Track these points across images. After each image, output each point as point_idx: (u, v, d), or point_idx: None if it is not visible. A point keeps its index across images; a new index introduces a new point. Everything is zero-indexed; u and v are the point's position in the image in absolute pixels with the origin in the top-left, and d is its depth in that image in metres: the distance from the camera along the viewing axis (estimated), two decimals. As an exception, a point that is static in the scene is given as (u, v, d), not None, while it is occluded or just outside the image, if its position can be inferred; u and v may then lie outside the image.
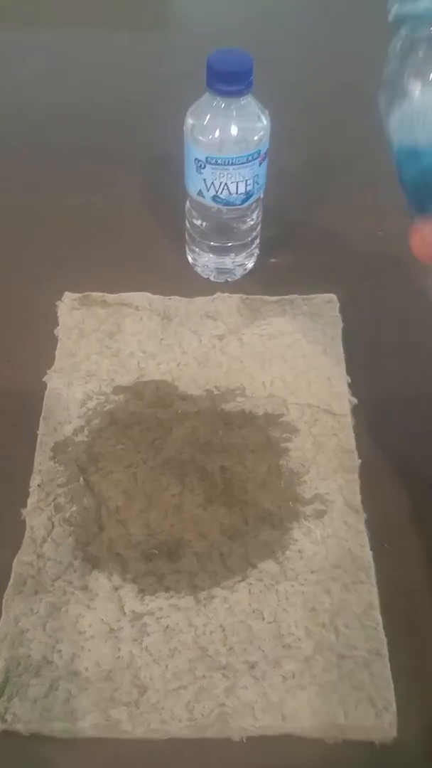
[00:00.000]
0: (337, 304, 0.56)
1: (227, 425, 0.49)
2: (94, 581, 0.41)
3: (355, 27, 0.87)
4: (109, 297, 0.57)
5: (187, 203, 0.57)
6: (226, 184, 0.52)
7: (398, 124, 0.33)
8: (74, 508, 0.44)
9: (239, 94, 0.49)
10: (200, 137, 0.51)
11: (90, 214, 0.65)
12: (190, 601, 0.40)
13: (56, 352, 0.53)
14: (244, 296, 0.57)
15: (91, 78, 0.81)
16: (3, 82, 0.81)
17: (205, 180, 0.52)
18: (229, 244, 0.57)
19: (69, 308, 0.56)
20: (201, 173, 0.52)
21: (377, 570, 0.42)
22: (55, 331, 0.55)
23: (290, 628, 0.39)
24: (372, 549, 0.43)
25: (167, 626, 0.39)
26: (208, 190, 0.53)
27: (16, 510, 0.45)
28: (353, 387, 0.51)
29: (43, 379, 0.51)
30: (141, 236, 0.63)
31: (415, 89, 0.32)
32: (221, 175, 0.51)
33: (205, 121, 0.50)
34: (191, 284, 0.58)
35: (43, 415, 0.49)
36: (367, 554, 0.42)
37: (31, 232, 0.63)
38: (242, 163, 0.51)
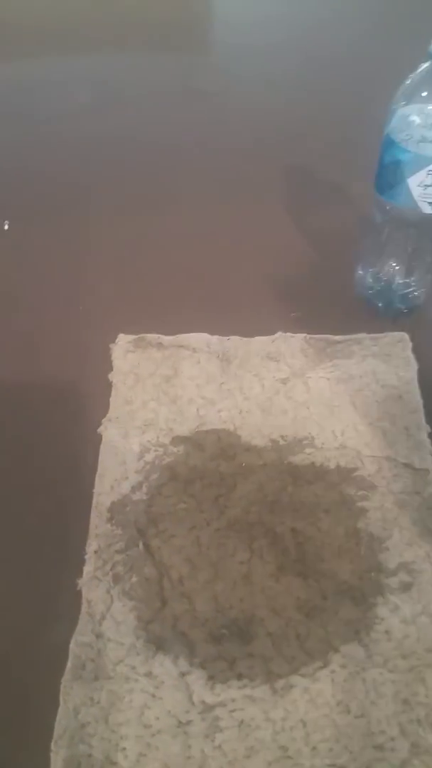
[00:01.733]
0: (410, 344, 0.52)
1: (296, 480, 0.45)
2: (159, 666, 0.37)
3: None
4: (165, 339, 0.53)
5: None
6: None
7: (395, 119, 0.44)
8: (134, 579, 0.41)
9: None
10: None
11: (139, 250, 0.62)
12: (266, 691, 0.36)
13: (111, 399, 0.50)
14: (308, 335, 0.53)
15: (139, 108, 0.79)
16: (50, 112, 0.79)
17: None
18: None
19: (123, 351, 0.53)
20: None
21: None
22: (110, 376, 0.52)
23: (381, 724, 0.35)
24: (470, 630, 0.38)
25: (242, 720, 0.35)
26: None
27: (72, 579, 0.41)
28: (434, 437, 0.46)
29: (98, 430, 0.48)
30: (189, 273, 0.59)
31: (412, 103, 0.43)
32: None
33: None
34: (249, 322, 0.54)
35: (99, 471, 0.46)
36: (465, 636, 0.37)
37: (83, 269, 0.61)
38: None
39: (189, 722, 0.35)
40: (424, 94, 0.42)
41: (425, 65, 0.42)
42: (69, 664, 0.37)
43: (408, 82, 0.43)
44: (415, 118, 0.43)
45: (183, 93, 0.81)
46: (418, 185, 0.45)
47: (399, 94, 0.44)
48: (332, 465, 0.45)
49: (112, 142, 0.74)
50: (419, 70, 0.42)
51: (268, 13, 0.97)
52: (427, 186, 0.44)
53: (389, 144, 0.45)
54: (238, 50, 0.90)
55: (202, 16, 1.00)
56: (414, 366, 0.50)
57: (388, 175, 0.46)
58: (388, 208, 0.48)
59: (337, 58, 0.86)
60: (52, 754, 0.34)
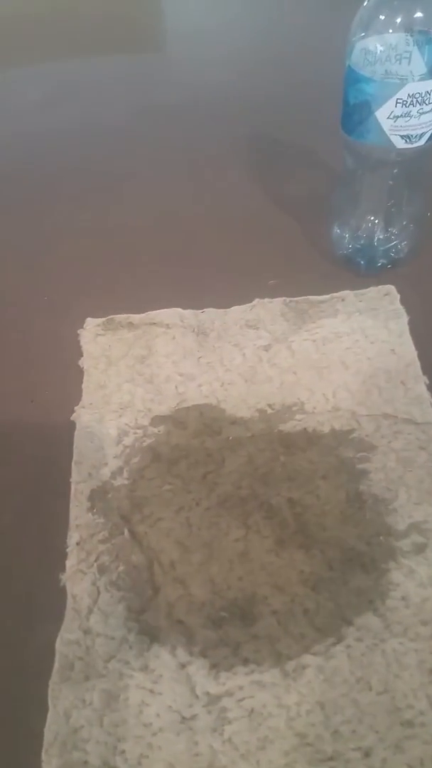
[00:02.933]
0: (397, 296, 0.49)
1: (288, 449, 0.42)
2: (155, 658, 0.33)
3: None
4: (136, 318, 0.50)
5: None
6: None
7: (356, 53, 0.41)
8: (121, 568, 0.37)
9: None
10: None
11: (101, 236, 0.59)
12: (276, 675, 0.32)
13: (83, 386, 0.47)
14: (287, 299, 0.50)
15: (89, 102, 0.77)
16: (1, 112, 0.76)
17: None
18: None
19: (93, 335, 0.49)
20: None
21: None
22: (80, 362, 0.48)
23: (407, 698, 0.31)
24: None
25: (252, 709, 0.32)
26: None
27: (54, 575, 0.38)
28: (433, 389, 0.43)
29: (71, 418, 0.45)
30: (156, 252, 0.56)
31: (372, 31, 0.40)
32: None
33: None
34: (224, 294, 0.51)
35: (74, 459, 0.42)
36: None
37: (43, 260, 0.57)
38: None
39: (193, 717, 0.32)
40: (382, 17, 0.39)
41: None
42: (56, 665, 0.34)
43: (364, 5, 0.40)
44: (378, 46, 0.40)
45: (137, 81, 0.79)
46: (388, 117, 0.42)
47: (356, 23, 0.41)
48: (326, 429, 0.42)
49: (66, 135, 0.72)
50: None
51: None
52: (397, 117, 0.41)
53: (353, 78, 0.42)
54: (189, 32, 0.88)
55: (153, 7, 0.98)
56: (404, 317, 0.47)
57: (354, 112, 0.43)
58: (359, 149, 0.45)
59: (291, 32, 0.84)
60: (43, 764, 0.31)
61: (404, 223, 0.51)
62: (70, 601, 0.36)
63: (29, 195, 0.65)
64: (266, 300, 0.50)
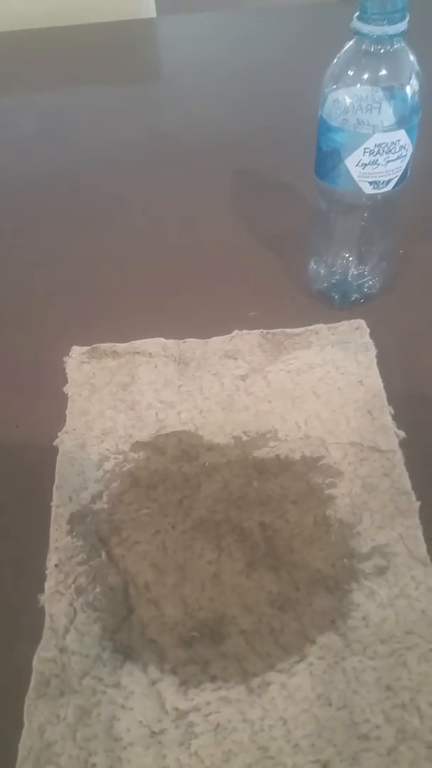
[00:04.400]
0: (367, 330, 0.51)
1: (261, 474, 0.44)
2: (128, 676, 0.35)
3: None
4: (120, 346, 0.52)
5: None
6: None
7: (328, 103, 0.44)
8: (98, 589, 0.39)
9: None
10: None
11: (90, 263, 0.61)
12: (242, 691, 0.34)
13: (67, 412, 0.49)
14: (265, 331, 0.52)
15: (80, 133, 0.80)
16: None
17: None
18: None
19: (78, 363, 0.51)
20: None
21: (458, 632, 0.36)
22: (65, 389, 0.50)
23: (365, 713, 0.33)
24: (448, 607, 0.36)
25: (218, 724, 0.33)
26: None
27: (33, 597, 0.39)
28: (398, 419, 0.46)
29: (54, 443, 0.47)
30: (141, 283, 0.59)
31: (342, 84, 0.43)
32: None
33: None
34: (205, 324, 0.53)
35: (56, 483, 0.44)
36: (444, 614, 0.36)
37: (32, 288, 0.60)
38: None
39: (162, 731, 0.33)
40: (351, 72, 0.42)
41: (349, 43, 0.42)
42: (32, 682, 0.35)
43: (335, 62, 0.43)
44: (347, 99, 0.43)
45: (130, 116, 0.82)
46: (356, 165, 0.44)
47: (327, 76, 0.44)
48: (297, 456, 0.44)
49: (58, 165, 0.74)
50: (344, 49, 0.43)
51: (209, 29, 0.99)
52: (365, 165, 0.44)
53: (324, 128, 0.45)
54: (180, 68, 0.91)
55: (148, 40, 1.01)
56: (372, 351, 0.49)
57: (326, 159, 0.46)
58: (331, 193, 0.48)
59: (277, 73, 0.87)
60: (16, 779, 0.32)
61: (376, 260, 0.53)
62: (47, 621, 0.38)
63: (19, 224, 0.67)
64: (245, 332, 0.52)
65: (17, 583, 0.40)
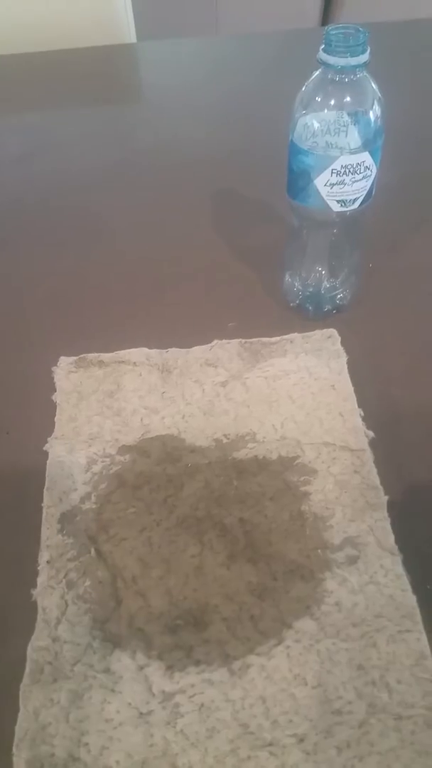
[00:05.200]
0: (339, 338, 0.54)
1: (241, 474, 0.46)
2: (117, 662, 0.37)
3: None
4: (106, 356, 0.55)
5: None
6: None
7: (298, 128, 0.47)
8: (88, 583, 0.41)
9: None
10: None
11: (76, 278, 0.64)
12: (224, 674, 0.37)
13: (56, 419, 0.51)
14: (243, 340, 0.55)
15: (66, 154, 0.83)
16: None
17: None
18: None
19: (66, 372, 0.54)
20: None
21: (423, 615, 0.38)
22: (54, 397, 0.53)
23: (338, 691, 0.36)
24: (414, 592, 0.39)
25: (202, 704, 0.36)
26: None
27: (27, 592, 0.41)
28: (367, 420, 0.49)
29: (44, 448, 0.49)
30: (130, 295, 0.62)
31: (310, 110, 0.47)
32: None
33: None
34: (187, 335, 0.56)
35: (46, 485, 0.46)
36: (411, 599, 0.39)
37: (20, 302, 0.62)
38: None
39: (150, 712, 0.36)
40: (318, 99, 0.46)
41: (316, 73, 0.46)
42: (27, 669, 0.37)
43: (303, 89, 0.47)
44: (315, 124, 0.46)
45: (111, 138, 0.85)
46: (325, 185, 0.48)
47: (297, 102, 0.47)
48: (274, 456, 0.47)
49: (44, 186, 0.77)
50: (312, 78, 0.46)
51: (190, 59, 1.03)
52: (333, 185, 0.48)
53: (295, 150, 0.48)
54: (160, 91, 0.95)
55: (128, 65, 1.05)
56: (344, 357, 0.52)
57: (297, 179, 0.49)
58: (301, 210, 0.51)
59: (254, 96, 0.91)
60: (14, 758, 0.34)
61: (346, 273, 0.57)
62: (40, 613, 0.40)
63: (7, 240, 0.69)
64: (224, 341, 0.55)
65: (11, 581, 0.42)
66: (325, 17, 1.79)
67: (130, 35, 1.12)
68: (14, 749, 0.34)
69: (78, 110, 0.92)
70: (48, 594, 0.41)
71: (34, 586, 0.42)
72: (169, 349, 0.55)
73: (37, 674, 0.37)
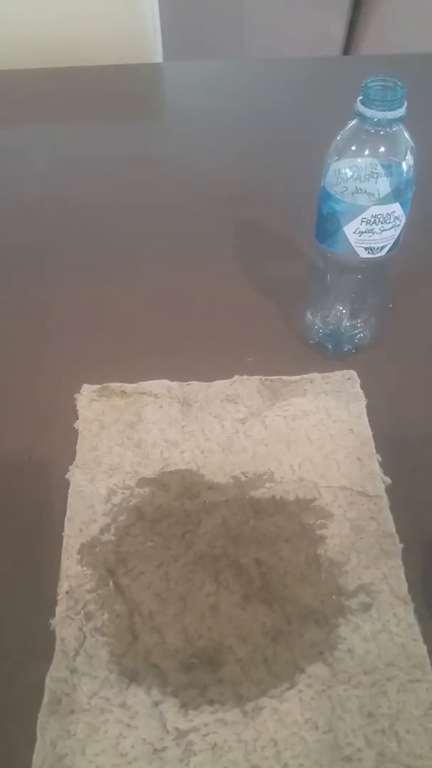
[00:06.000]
0: (358, 381, 0.55)
1: (258, 513, 0.47)
2: (133, 697, 0.38)
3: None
4: (128, 387, 0.56)
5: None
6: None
7: (330, 173, 0.49)
8: (105, 616, 0.42)
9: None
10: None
11: (99, 307, 0.65)
12: (237, 714, 0.38)
13: (77, 447, 0.52)
14: (263, 377, 0.56)
15: (91, 175, 0.83)
16: (5, 179, 0.83)
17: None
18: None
19: (88, 400, 0.55)
20: None
21: (434, 665, 0.39)
22: (75, 425, 0.54)
23: (348, 737, 0.36)
24: (426, 642, 0.40)
25: (215, 744, 0.37)
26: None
27: (45, 620, 0.42)
28: (385, 465, 0.50)
29: (66, 476, 0.50)
30: (149, 326, 0.63)
31: (344, 158, 0.48)
32: None
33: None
34: (208, 368, 0.57)
35: (67, 515, 0.48)
36: (422, 649, 0.40)
37: (45, 328, 0.63)
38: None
39: (164, 748, 0.37)
40: (353, 148, 0.47)
41: (352, 122, 0.47)
42: (45, 700, 0.38)
43: (338, 138, 0.48)
44: (347, 171, 0.47)
45: (136, 158, 0.86)
46: (354, 232, 0.49)
47: (331, 149, 0.48)
48: (291, 497, 0.48)
49: (70, 206, 0.78)
50: (347, 126, 0.47)
51: (215, 81, 1.04)
52: (362, 233, 0.49)
53: (326, 196, 0.49)
54: (186, 116, 0.96)
55: (154, 84, 1.06)
56: (363, 401, 0.54)
57: (326, 224, 0.50)
58: (328, 255, 0.52)
59: (278, 123, 0.92)
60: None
61: (367, 314, 0.58)
62: (58, 644, 0.41)
63: (34, 265, 0.70)
64: (245, 377, 0.56)
65: (30, 609, 0.43)
66: (348, 42, 1.81)
67: (156, 54, 1.14)
68: (32, 779, 0.35)
69: (102, 128, 0.93)
70: (66, 625, 0.42)
71: (53, 615, 0.43)
72: (191, 383, 0.56)
73: (54, 705, 0.38)
